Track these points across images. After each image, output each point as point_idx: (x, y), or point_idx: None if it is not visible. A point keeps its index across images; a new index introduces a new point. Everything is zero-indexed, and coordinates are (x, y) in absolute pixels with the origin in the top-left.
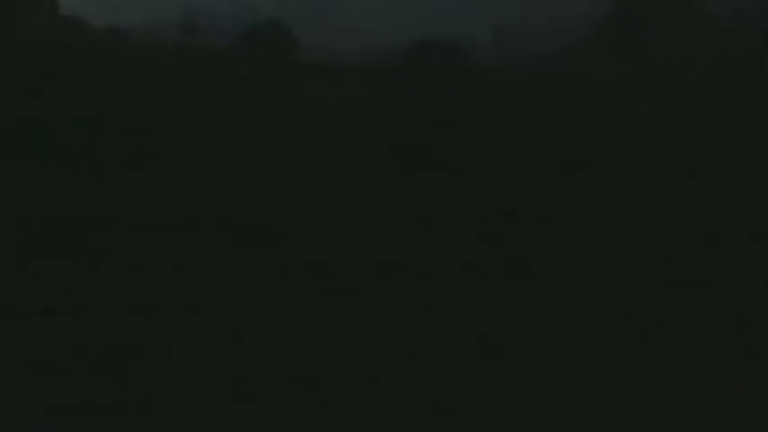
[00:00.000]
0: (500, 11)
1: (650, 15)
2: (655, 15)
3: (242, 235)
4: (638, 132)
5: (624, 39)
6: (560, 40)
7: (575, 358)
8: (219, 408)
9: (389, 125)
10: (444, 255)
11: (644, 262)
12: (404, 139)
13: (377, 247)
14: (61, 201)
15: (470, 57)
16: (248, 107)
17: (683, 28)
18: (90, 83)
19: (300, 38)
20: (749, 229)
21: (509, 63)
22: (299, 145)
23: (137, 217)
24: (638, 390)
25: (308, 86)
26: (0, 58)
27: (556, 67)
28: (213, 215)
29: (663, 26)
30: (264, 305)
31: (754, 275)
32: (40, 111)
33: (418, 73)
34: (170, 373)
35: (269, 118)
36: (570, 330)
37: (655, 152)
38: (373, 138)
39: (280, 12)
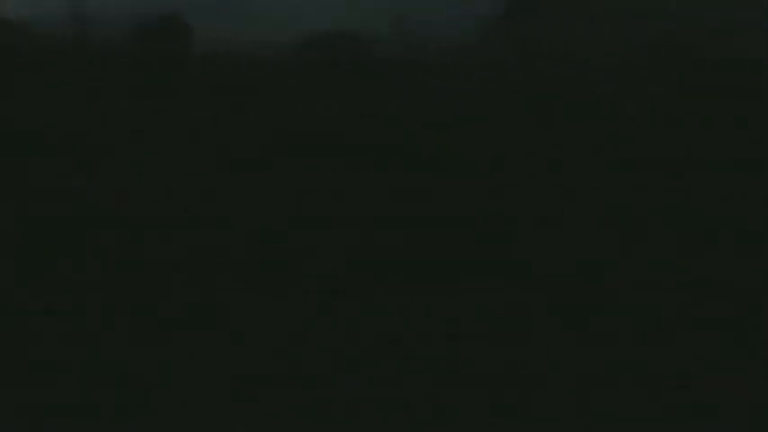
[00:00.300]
0: (400, 2)
1: (549, 9)
2: (553, 10)
3: (140, 231)
4: (537, 124)
5: (524, 31)
6: (461, 32)
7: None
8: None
9: (288, 117)
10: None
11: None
12: (304, 131)
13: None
14: None
15: (370, 48)
16: (144, 100)
17: (580, 22)
18: None
19: (197, 29)
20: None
21: (409, 54)
22: (197, 138)
23: (30, 217)
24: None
25: (205, 78)
26: None
27: (454, 58)
28: (113, 212)
29: (562, 20)
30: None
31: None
32: None
33: (316, 64)
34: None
35: (166, 111)
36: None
37: (551, 144)
38: (271, 130)
39: (176, 2)
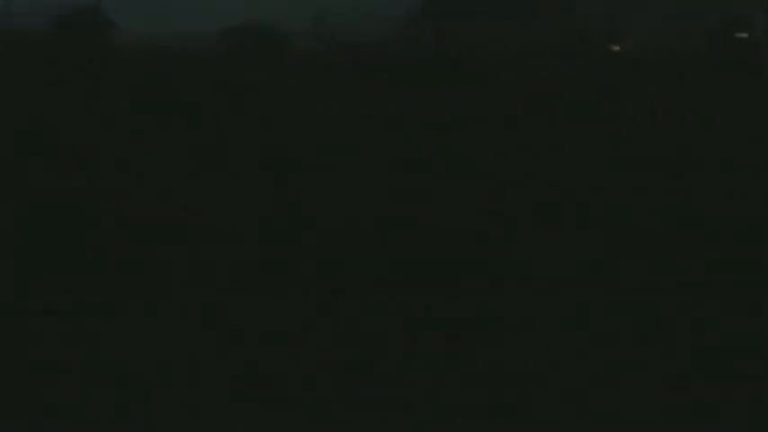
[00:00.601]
0: None
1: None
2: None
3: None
4: (453, 110)
5: (437, 26)
6: (378, 26)
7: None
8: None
9: (207, 107)
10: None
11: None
12: (223, 121)
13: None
14: None
15: (291, 40)
16: (66, 91)
17: (488, 16)
18: None
19: (119, 21)
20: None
21: (329, 47)
22: (117, 129)
23: None
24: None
25: (127, 69)
26: None
27: (374, 51)
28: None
29: (474, 20)
30: None
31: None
32: None
33: (239, 55)
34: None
35: (86, 101)
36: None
37: (464, 128)
38: (191, 120)
39: None
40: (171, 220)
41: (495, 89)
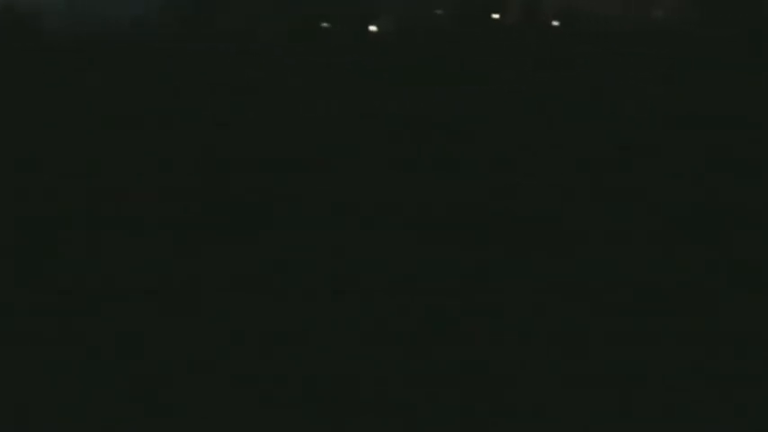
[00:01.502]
0: None
1: None
2: None
3: None
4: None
5: (192, 10)
6: (131, 8)
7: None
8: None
9: None
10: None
11: None
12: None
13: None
14: None
15: (45, 21)
16: None
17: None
18: None
19: None
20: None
21: (80, 28)
22: None
23: None
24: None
25: None
26: None
27: (124, 32)
28: None
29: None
30: None
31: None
32: None
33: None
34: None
35: None
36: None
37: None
38: None
39: None
40: None
41: (267, 71)
